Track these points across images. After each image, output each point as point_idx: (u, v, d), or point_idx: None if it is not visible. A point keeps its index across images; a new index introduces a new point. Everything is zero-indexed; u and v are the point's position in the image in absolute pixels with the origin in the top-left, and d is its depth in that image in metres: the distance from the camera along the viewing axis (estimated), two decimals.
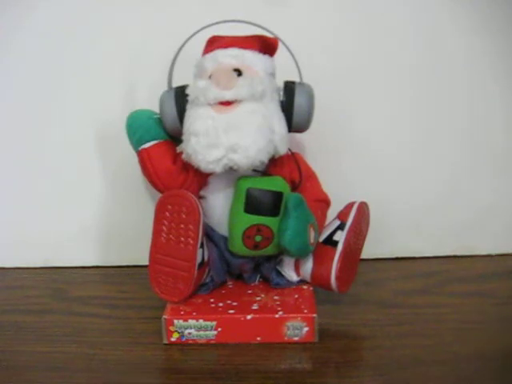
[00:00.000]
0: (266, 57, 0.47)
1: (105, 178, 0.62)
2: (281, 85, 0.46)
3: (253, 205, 0.43)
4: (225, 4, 0.54)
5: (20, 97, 0.61)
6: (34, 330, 0.49)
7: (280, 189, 0.44)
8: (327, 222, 0.50)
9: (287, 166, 0.47)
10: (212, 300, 0.47)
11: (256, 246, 0.45)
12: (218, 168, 0.42)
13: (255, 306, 0.45)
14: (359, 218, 0.49)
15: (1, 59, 0.60)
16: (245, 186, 0.43)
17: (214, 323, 0.44)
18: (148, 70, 0.58)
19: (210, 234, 0.48)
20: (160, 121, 0.47)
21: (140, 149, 0.47)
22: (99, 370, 0.41)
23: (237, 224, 0.44)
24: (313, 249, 0.46)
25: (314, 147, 0.59)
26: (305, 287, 0.49)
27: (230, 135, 0.41)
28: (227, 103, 0.42)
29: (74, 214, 0.63)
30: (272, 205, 0.43)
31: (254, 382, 0.39)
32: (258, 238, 0.44)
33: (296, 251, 0.44)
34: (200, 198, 0.47)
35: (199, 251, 0.45)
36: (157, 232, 0.45)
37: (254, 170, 0.44)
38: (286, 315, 0.44)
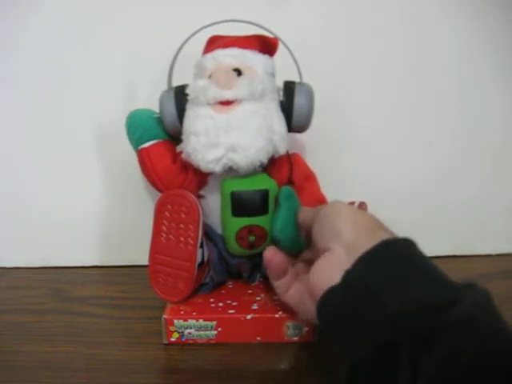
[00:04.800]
0: (266, 57, 0.47)
1: (105, 178, 0.62)
2: (281, 85, 0.46)
3: (239, 208, 0.43)
4: (225, 4, 0.54)
5: (19, 95, 0.61)
6: (34, 329, 0.49)
7: (264, 186, 0.43)
8: None
9: (286, 167, 0.47)
10: (212, 300, 0.47)
11: (251, 246, 0.45)
12: (217, 168, 0.42)
13: (255, 306, 0.45)
14: None
15: (1, 58, 0.60)
16: (228, 189, 0.43)
17: (214, 323, 0.44)
18: (148, 69, 0.58)
19: (209, 234, 0.48)
20: (160, 120, 0.47)
21: (140, 148, 0.47)
22: (99, 370, 0.41)
23: (228, 228, 0.44)
24: (305, 246, 0.45)
25: (314, 147, 0.59)
26: None
27: (230, 135, 0.41)
28: (227, 103, 0.42)
29: (73, 213, 0.63)
30: (258, 204, 0.43)
31: (253, 382, 0.39)
32: (252, 238, 0.44)
33: (287, 242, 0.43)
34: (199, 197, 0.47)
35: (199, 251, 0.45)
36: (157, 232, 0.45)
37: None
38: (285, 315, 0.44)
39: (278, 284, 0.41)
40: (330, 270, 0.32)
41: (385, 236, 0.32)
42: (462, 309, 0.26)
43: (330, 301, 0.31)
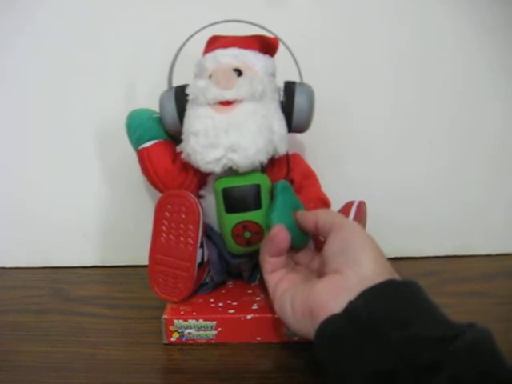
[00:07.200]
0: (266, 57, 0.47)
1: (105, 178, 0.62)
2: (281, 85, 0.46)
3: (231, 204, 0.43)
4: (225, 4, 0.54)
5: (19, 95, 0.61)
6: (33, 329, 0.49)
7: (256, 181, 0.43)
8: None
9: (284, 167, 0.47)
10: (212, 300, 0.47)
11: (248, 243, 0.45)
12: (217, 168, 0.42)
13: (255, 306, 0.45)
14: (359, 217, 0.49)
15: (1, 58, 0.60)
16: (220, 186, 0.43)
17: (214, 323, 0.44)
18: (148, 69, 0.58)
19: (209, 234, 0.48)
20: (160, 120, 0.47)
21: (139, 148, 0.47)
22: (99, 370, 0.41)
23: (224, 226, 0.44)
24: (305, 241, 0.45)
25: (314, 147, 0.59)
26: None
27: (230, 135, 0.41)
28: (227, 103, 0.42)
29: (73, 213, 0.63)
30: (250, 199, 0.43)
31: (253, 382, 0.39)
32: (248, 235, 0.44)
33: None
34: (199, 197, 0.47)
35: (199, 251, 0.45)
36: (157, 232, 0.45)
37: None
38: None
39: (270, 260, 0.41)
40: (336, 293, 0.33)
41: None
42: (463, 342, 0.27)
43: (332, 326, 0.32)
